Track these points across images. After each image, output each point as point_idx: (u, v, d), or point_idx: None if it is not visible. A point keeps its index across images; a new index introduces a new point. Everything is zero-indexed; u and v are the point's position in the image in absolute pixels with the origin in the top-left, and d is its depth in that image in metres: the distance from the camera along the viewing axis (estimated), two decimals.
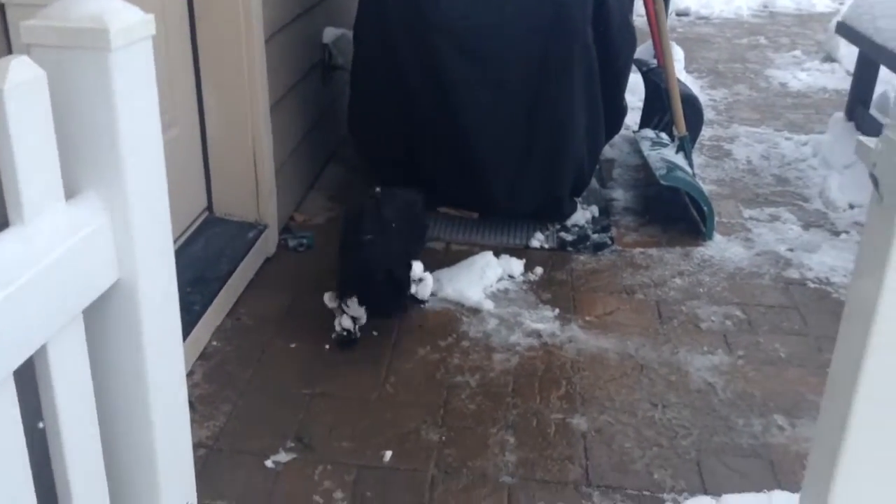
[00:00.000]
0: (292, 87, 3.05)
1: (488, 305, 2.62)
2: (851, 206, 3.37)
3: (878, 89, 4.01)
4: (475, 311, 2.60)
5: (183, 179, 2.56)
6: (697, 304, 2.69)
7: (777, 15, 7.32)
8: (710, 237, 3.11)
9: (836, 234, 3.20)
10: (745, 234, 3.18)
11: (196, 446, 1.91)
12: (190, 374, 2.23)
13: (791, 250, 3.06)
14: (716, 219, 3.15)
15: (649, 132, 3.62)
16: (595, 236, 3.11)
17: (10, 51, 1.78)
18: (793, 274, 2.90)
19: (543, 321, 2.56)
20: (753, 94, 5.02)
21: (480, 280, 2.70)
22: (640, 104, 3.99)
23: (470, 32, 2.78)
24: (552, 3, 2.77)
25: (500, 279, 2.77)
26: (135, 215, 1.11)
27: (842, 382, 1.38)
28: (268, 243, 2.83)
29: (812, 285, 2.83)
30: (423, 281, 2.55)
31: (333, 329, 2.38)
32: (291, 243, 2.94)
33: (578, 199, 3.28)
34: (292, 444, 2.02)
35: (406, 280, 2.32)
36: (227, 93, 2.61)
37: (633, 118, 3.91)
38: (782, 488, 1.90)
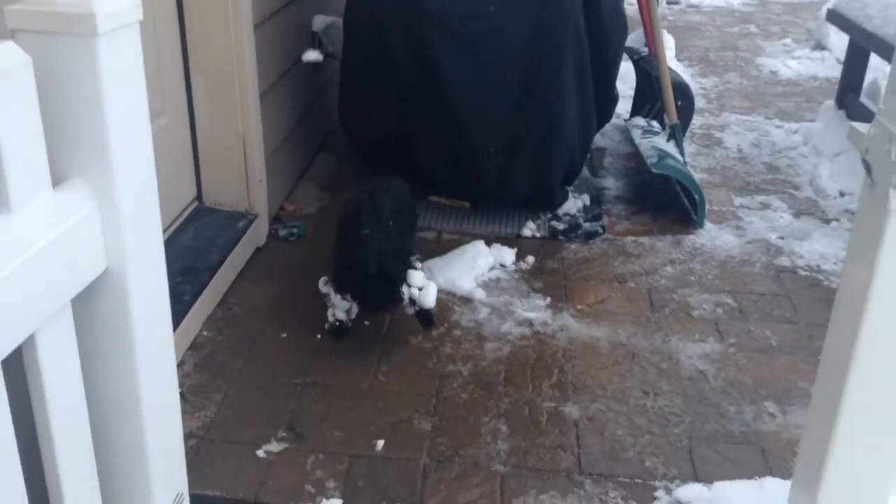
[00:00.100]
0: (282, 76, 3.03)
1: (480, 294, 2.62)
2: (842, 194, 3.38)
3: (869, 77, 4.01)
4: (467, 300, 2.60)
5: (172, 169, 2.54)
6: (689, 292, 2.69)
7: (767, 3, 7.32)
8: (701, 225, 3.12)
9: (827, 221, 3.21)
10: (737, 223, 3.18)
11: (187, 437, 1.91)
12: (180, 365, 2.22)
13: (782, 238, 3.07)
14: (707, 207, 3.15)
15: (640, 120, 3.61)
16: (586, 225, 3.11)
17: None
18: (784, 262, 2.91)
19: (535, 310, 2.56)
20: (744, 83, 5.02)
21: (472, 269, 2.70)
22: (631, 92, 3.98)
23: (461, 21, 2.76)
24: None
25: (492, 268, 2.76)
26: (123, 203, 1.10)
27: (834, 368, 1.38)
28: (258, 233, 2.82)
29: (803, 273, 2.84)
30: (425, 289, 2.34)
31: (326, 319, 2.37)
32: (282, 233, 2.92)
33: (570, 188, 3.27)
34: (284, 434, 2.01)
35: (398, 274, 2.28)
36: (216, 81, 2.59)
37: (624, 106, 3.90)
38: (774, 475, 1.91)
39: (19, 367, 1.03)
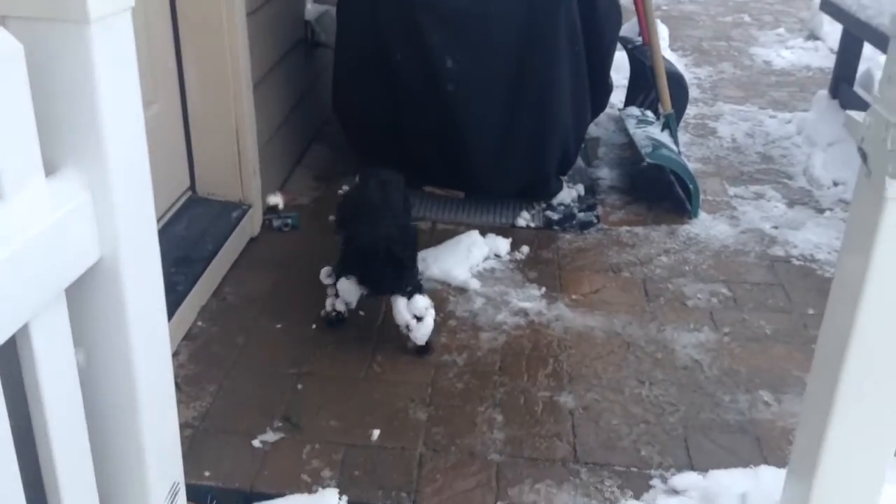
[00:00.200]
0: (275, 65, 3.02)
1: (475, 284, 2.61)
2: (835, 184, 3.39)
3: (862, 67, 4.02)
4: (461, 290, 2.59)
5: (165, 158, 2.52)
6: (683, 282, 2.70)
7: None
8: (695, 215, 3.12)
9: (821, 211, 3.21)
10: (731, 212, 3.19)
11: (182, 427, 1.90)
12: (175, 355, 2.21)
13: (776, 228, 3.07)
14: (701, 197, 3.16)
15: (635, 110, 3.61)
16: (581, 215, 3.11)
17: None
18: (778, 251, 2.91)
19: (530, 300, 2.56)
20: (738, 72, 5.02)
21: (467, 259, 2.70)
22: (626, 82, 3.97)
23: (454, 9, 2.74)
24: None
25: (487, 258, 2.76)
26: (117, 192, 1.09)
27: (829, 356, 1.38)
28: (252, 223, 2.81)
29: (797, 262, 2.85)
30: (423, 321, 2.21)
31: (323, 308, 2.36)
32: (276, 223, 2.91)
33: (564, 178, 3.27)
34: (280, 424, 2.01)
35: (406, 258, 2.23)
36: (208, 69, 2.57)
37: (618, 96, 3.89)
38: (769, 463, 1.91)
39: (13, 357, 1.02)
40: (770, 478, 1.79)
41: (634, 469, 1.91)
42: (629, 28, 3.87)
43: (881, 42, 3.35)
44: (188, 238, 2.54)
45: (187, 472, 1.44)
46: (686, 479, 1.86)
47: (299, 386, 2.15)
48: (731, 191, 3.38)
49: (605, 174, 3.47)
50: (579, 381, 2.20)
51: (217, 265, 2.52)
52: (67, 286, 1.06)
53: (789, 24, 6.18)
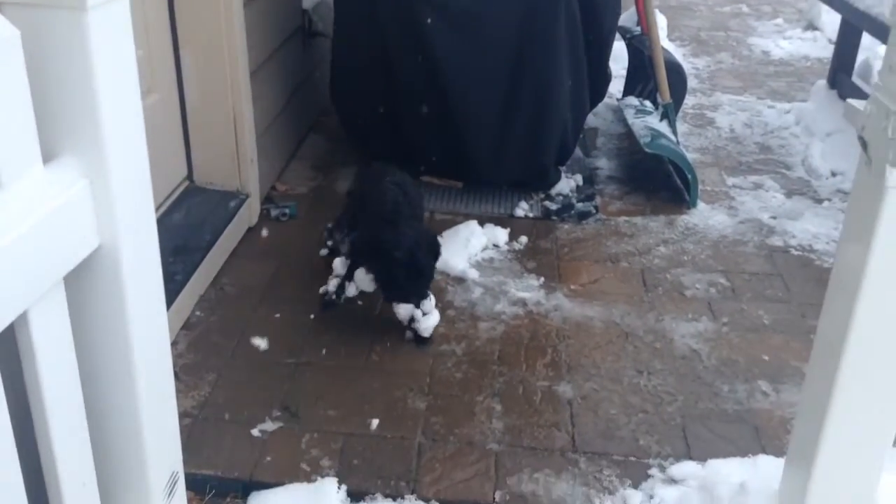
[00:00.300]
0: (272, 53, 3.00)
1: (473, 274, 2.61)
2: (834, 174, 3.38)
3: (861, 57, 4.01)
4: (460, 280, 2.59)
5: (162, 148, 2.51)
6: (682, 272, 2.70)
7: None
8: (694, 205, 3.11)
9: (819, 201, 3.21)
10: (729, 202, 3.18)
11: (181, 416, 1.89)
12: (174, 344, 2.21)
13: (774, 218, 3.07)
14: (700, 187, 3.15)
15: (633, 100, 3.60)
16: (579, 205, 3.11)
17: None
18: (776, 241, 2.91)
19: (528, 290, 2.56)
20: (736, 63, 5.01)
21: (465, 249, 2.69)
22: (624, 72, 3.96)
23: None
24: None
25: (485, 248, 2.76)
26: (114, 180, 1.08)
27: (828, 346, 1.38)
28: (250, 213, 2.80)
29: (795, 252, 2.85)
30: (428, 316, 2.26)
31: (326, 288, 2.38)
32: (274, 213, 2.91)
33: (563, 168, 3.26)
34: (278, 413, 2.01)
35: (428, 266, 2.20)
36: (205, 58, 2.56)
37: (616, 86, 3.88)
38: (767, 453, 1.91)
39: (12, 345, 1.02)
40: (768, 467, 1.79)
41: (633, 458, 1.92)
42: (627, 18, 3.86)
43: (880, 32, 3.34)
44: (186, 227, 2.53)
45: (186, 462, 1.44)
46: (684, 469, 1.87)
47: (298, 375, 2.15)
48: (730, 181, 3.37)
49: (604, 164, 3.46)
50: (578, 371, 2.20)
51: (215, 254, 2.52)
52: (66, 274, 1.05)
53: (788, 14, 6.16)
